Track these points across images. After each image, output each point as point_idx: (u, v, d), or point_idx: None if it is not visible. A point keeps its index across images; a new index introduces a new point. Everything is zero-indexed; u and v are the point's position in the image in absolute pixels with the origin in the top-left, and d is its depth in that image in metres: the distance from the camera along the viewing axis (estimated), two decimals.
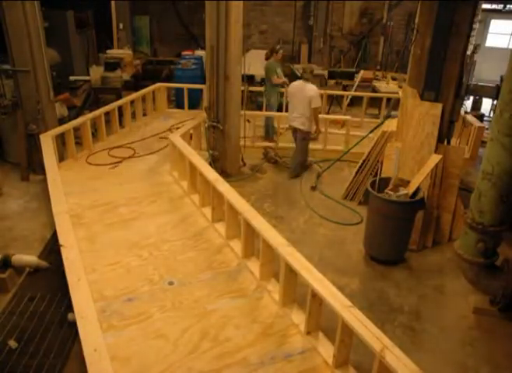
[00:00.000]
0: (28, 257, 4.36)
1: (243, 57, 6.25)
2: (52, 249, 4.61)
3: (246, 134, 6.91)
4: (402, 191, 4.54)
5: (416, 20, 5.22)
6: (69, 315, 3.68)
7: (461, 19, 4.53)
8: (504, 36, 13.37)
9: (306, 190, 6.27)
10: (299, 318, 3.50)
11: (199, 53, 10.93)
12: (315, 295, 3.17)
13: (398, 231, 4.62)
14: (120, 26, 11.47)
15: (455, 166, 4.94)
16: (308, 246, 4.92)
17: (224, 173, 6.18)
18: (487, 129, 6.95)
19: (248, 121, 7.06)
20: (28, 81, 6.13)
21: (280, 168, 6.96)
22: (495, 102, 9.27)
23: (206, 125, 6.32)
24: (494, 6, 12.75)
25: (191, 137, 6.70)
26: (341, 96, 9.46)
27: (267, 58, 7.48)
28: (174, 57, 11.66)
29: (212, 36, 5.81)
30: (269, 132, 7.67)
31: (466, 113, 7.64)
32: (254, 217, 4.00)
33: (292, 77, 8.99)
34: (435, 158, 4.71)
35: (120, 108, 7.50)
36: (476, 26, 4.76)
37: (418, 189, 4.58)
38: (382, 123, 5.97)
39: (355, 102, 9.85)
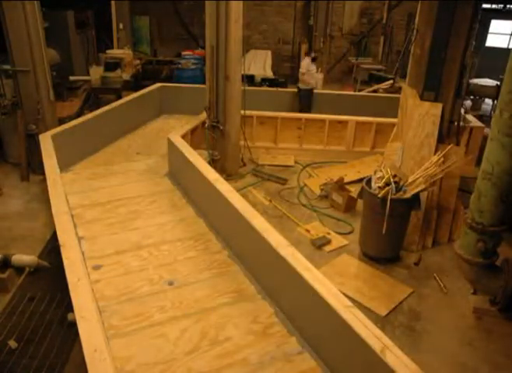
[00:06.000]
0: (28, 257, 4.36)
1: (243, 57, 6.25)
2: (52, 249, 4.61)
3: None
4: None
5: (416, 20, 5.22)
6: (69, 315, 3.68)
7: (461, 19, 4.53)
8: (504, 36, 13.37)
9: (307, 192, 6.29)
10: None
11: (199, 53, 10.95)
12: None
13: (390, 229, 4.60)
14: (121, 26, 11.48)
15: (455, 166, 4.94)
16: (308, 246, 4.93)
17: (224, 173, 6.18)
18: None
19: None
20: (28, 81, 6.13)
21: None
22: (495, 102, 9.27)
23: (206, 125, 6.33)
24: (494, 6, 12.75)
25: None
26: None
27: None
28: (174, 57, 11.66)
29: (212, 36, 5.80)
30: None
31: (466, 112, 7.63)
32: (254, 217, 4.00)
33: None
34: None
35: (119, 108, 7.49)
36: (476, 26, 4.75)
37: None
38: None
39: None
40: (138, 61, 10.69)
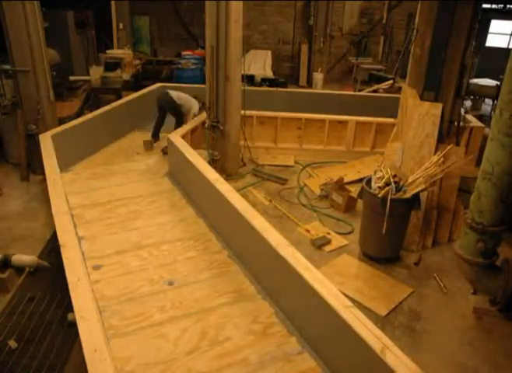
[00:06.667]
0: (28, 257, 4.36)
1: (243, 57, 6.25)
2: (52, 249, 4.61)
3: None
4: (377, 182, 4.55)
5: (416, 20, 5.22)
6: (69, 315, 3.68)
7: (461, 19, 4.53)
8: (504, 36, 13.37)
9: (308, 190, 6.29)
10: None
11: (199, 53, 10.96)
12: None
13: (390, 229, 4.59)
14: (121, 26, 11.49)
15: (455, 166, 4.94)
16: (308, 246, 4.93)
17: (224, 173, 6.18)
18: None
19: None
20: (28, 81, 6.13)
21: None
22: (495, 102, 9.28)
23: (206, 125, 6.33)
24: (494, 6, 12.75)
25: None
26: None
27: None
28: (174, 57, 11.67)
29: (212, 36, 5.80)
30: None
31: (466, 112, 7.64)
32: (254, 217, 4.00)
33: None
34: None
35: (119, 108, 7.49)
36: (476, 26, 4.75)
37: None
38: None
39: None
40: (138, 61, 10.70)
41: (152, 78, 9.86)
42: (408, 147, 5.02)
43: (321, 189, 6.12)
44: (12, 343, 3.50)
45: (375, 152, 7.13)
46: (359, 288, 4.29)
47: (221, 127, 6.20)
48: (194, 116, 6.90)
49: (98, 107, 7.32)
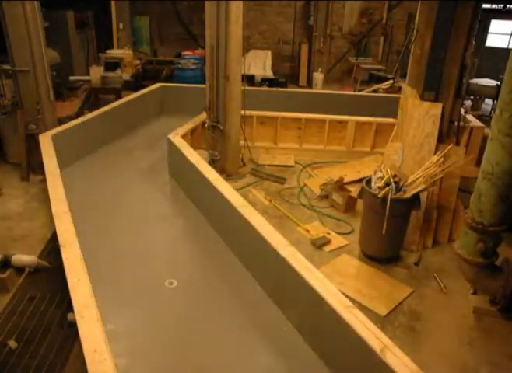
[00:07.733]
0: (28, 257, 4.36)
1: (243, 57, 6.25)
2: (52, 249, 4.61)
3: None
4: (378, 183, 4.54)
5: (416, 20, 5.22)
6: (69, 315, 3.68)
7: (461, 19, 4.53)
8: (504, 36, 13.37)
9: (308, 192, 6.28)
10: None
11: (199, 53, 10.97)
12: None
13: (390, 229, 4.59)
14: (121, 25, 11.50)
15: (455, 166, 4.94)
16: (308, 246, 4.93)
17: (224, 173, 6.18)
18: None
19: None
20: (28, 81, 6.13)
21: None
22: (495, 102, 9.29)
23: (206, 125, 6.33)
24: (494, 6, 12.75)
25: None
26: None
27: None
28: (174, 57, 11.68)
29: (211, 36, 5.81)
30: None
31: (466, 112, 7.63)
32: (254, 217, 4.00)
33: None
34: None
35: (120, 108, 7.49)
36: (476, 26, 4.76)
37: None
38: None
39: None
40: (138, 61, 10.71)
41: (153, 78, 9.87)
42: (408, 147, 5.02)
43: (321, 189, 6.12)
44: (12, 343, 3.50)
45: (375, 152, 7.13)
46: (359, 288, 4.29)
47: (221, 127, 6.20)
48: None
49: (98, 107, 7.32)
